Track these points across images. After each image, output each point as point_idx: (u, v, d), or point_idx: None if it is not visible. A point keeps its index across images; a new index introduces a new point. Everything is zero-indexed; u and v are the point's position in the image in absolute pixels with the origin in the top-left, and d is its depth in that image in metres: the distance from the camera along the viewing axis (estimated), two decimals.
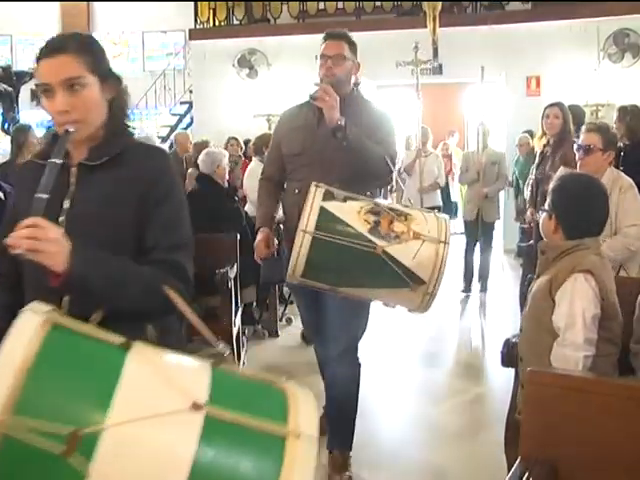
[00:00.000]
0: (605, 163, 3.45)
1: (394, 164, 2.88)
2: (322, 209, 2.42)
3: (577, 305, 2.17)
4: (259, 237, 3.11)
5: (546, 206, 2.42)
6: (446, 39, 8.72)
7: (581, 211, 2.33)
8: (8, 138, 6.86)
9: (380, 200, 2.67)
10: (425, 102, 7.63)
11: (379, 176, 2.93)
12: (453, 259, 7.40)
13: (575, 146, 3.60)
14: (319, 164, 2.85)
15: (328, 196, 2.48)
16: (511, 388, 2.61)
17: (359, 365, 3.06)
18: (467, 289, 6.93)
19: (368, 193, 2.79)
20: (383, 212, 2.44)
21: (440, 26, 8.60)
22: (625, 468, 1.65)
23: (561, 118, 4.50)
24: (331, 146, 2.79)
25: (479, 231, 6.78)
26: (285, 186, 3.11)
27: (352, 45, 3.02)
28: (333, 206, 2.44)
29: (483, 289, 6.88)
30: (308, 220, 2.40)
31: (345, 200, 2.48)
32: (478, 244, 6.90)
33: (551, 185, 2.46)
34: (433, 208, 6.76)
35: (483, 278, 6.91)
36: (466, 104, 13.37)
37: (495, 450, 2.67)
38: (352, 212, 2.43)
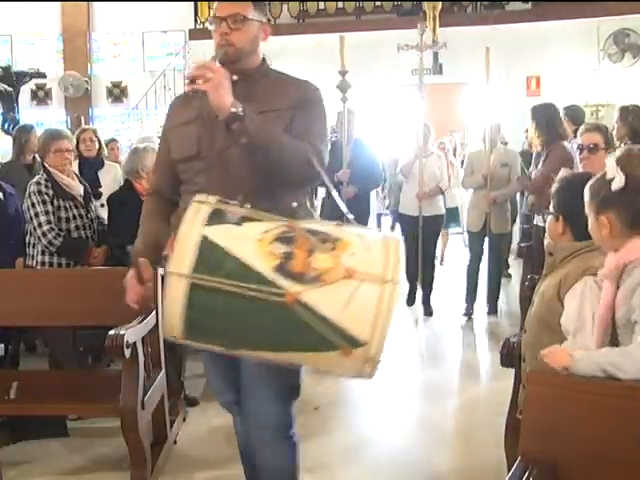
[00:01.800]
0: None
1: (323, 163, 2.11)
2: (204, 240, 1.69)
3: (587, 308, 2.16)
4: (129, 274, 2.25)
5: (551, 208, 2.41)
6: (446, 39, 8.71)
7: None
8: (8, 138, 6.86)
9: (308, 221, 1.92)
10: (425, 102, 7.60)
11: (299, 182, 2.15)
12: (454, 276, 7.23)
13: (575, 146, 3.61)
14: (220, 169, 2.11)
15: (216, 217, 1.75)
16: (511, 388, 2.62)
17: (294, 445, 2.27)
18: (469, 311, 5.95)
19: (294, 204, 2.12)
20: (299, 238, 1.70)
21: (440, 26, 8.59)
22: (625, 468, 1.65)
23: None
24: (237, 144, 2.04)
25: (486, 244, 5.88)
26: (180, 203, 2.22)
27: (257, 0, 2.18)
28: (220, 233, 1.71)
29: (492, 311, 5.96)
30: (182, 257, 1.68)
31: (241, 222, 1.75)
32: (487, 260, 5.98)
33: (554, 186, 2.45)
34: (435, 217, 6.25)
35: (492, 300, 5.98)
36: (466, 104, 13.37)
37: (495, 450, 2.67)
38: (249, 241, 1.70)
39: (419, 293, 6.15)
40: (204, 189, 1.99)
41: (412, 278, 6.14)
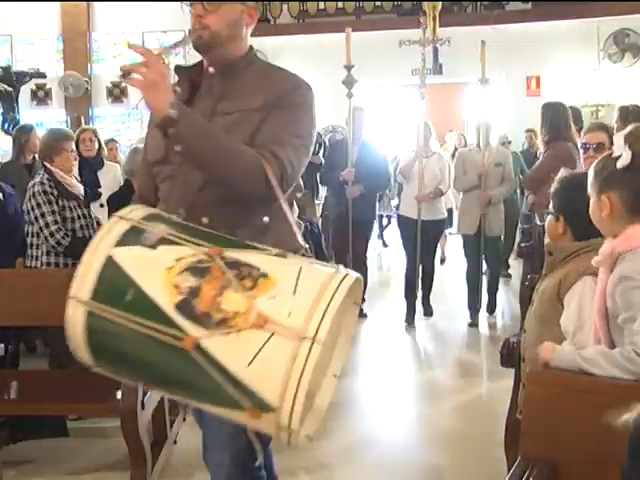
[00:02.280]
0: None
1: (289, 178, 1.76)
2: (109, 261, 1.44)
3: (587, 308, 2.15)
4: None
5: (551, 208, 2.40)
6: (446, 39, 8.72)
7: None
8: (8, 138, 6.87)
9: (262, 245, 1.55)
10: (425, 102, 7.59)
11: (251, 199, 1.78)
12: (454, 275, 7.10)
13: (579, 144, 3.61)
14: (184, 177, 1.82)
15: (132, 236, 1.49)
16: (511, 388, 2.62)
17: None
18: (475, 320, 5.70)
19: (265, 219, 1.81)
20: (214, 270, 1.41)
21: (440, 26, 8.60)
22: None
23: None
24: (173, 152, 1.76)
25: (482, 248, 5.63)
26: None
27: None
28: (130, 256, 1.45)
29: (490, 310, 5.85)
30: (83, 280, 1.45)
31: (157, 245, 1.47)
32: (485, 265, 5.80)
33: (554, 186, 2.44)
34: (436, 221, 5.95)
35: (490, 305, 5.84)
36: (466, 104, 13.37)
37: (495, 450, 2.67)
38: (158, 269, 1.42)
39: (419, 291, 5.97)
40: (166, 198, 1.89)
41: (411, 291, 5.78)
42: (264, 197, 1.73)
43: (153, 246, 1.47)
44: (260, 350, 1.33)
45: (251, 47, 1.93)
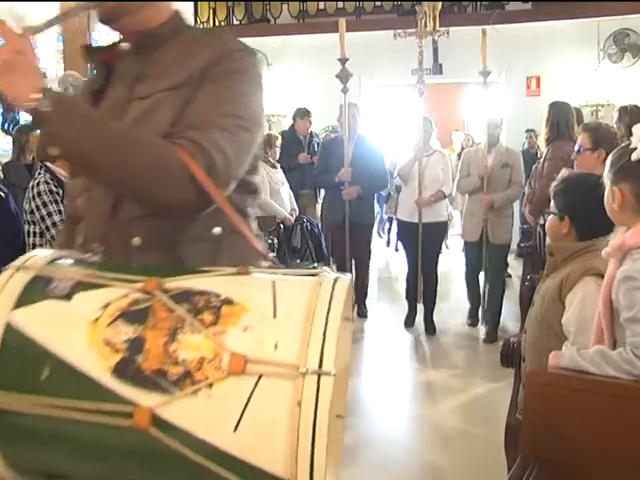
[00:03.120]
0: (598, 161, 3.48)
1: (220, 173, 1.24)
2: (8, 330, 1.05)
3: (589, 309, 2.15)
4: None
5: (553, 208, 2.38)
6: (446, 39, 8.72)
7: (597, 211, 2.18)
8: (8, 138, 6.86)
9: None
10: (425, 102, 7.58)
11: (175, 209, 1.26)
12: (454, 281, 6.78)
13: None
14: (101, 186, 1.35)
15: (35, 289, 1.10)
16: (511, 388, 2.62)
17: None
18: (474, 323, 5.56)
19: (215, 230, 1.35)
20: (157, 309, 1.04)
21: (440, 26, 8.59)
22: (625, 468, 1.65)
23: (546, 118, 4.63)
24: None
25: (485, 256, 5.25)
26: None
27: None
28: (36, 317, 1.06)
29: (489, 338, 5.24)
30: None
31: (72, 293, 1.08)
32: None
33: (557, 186, 2.43)
34: (437, 224, 5.56)
35: (491, 323, 5.33)
36: (466, 104, 13.38)
37: (495, 450, 2.67)
38: (79, 325, 1.04)
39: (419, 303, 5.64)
40: (83, 219, 1.44)
41: (412, 296, 5.55)
42: (200, 205, 1.23)
43: (67, 296, 1.08)
44: (247, 404, 0.95)
45: (176, 12, 1.45)
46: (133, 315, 1.04)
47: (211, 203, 1.22)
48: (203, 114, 1.27)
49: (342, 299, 1.02)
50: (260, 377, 0.96)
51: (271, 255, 1.32)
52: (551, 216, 2.39)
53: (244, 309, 1.02)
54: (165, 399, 0.98)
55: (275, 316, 1.01)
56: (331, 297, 1.02)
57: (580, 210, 2.29)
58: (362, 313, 5.82)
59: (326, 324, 0.98)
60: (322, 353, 0.96)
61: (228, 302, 1.03)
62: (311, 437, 0.93)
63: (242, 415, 0.96)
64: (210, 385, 0.97)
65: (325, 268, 1.14)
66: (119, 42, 1.45)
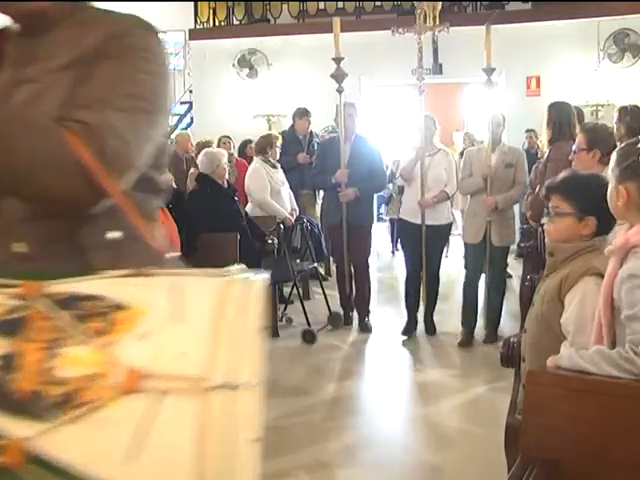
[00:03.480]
0: (593, 162, 3.49)
1: (114, 158, 1.05)
2: None
3: (588, 308, 2.15)
4: None
5: (566, 209, 2.31)
6: (446, 39, 8.73)
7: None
8: None
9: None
10: (425, 101, 7.57)
11: (62, 203, 1.09)
12: (454, 281, 6.56)
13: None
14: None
15: None
16: (511, 388, 2.62)
17: None
18: (467, 339, 5.10)
19: (110, 236, 1.17)
20: (35, 318, 0.85)
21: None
22: (625, 468, 1.65)
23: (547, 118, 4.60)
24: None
25: (486, 259, 5.02)
26: None
27: None
28: None
29: (489, 339, 5.05)
30: None
31: None
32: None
33: (572, 188, 2.36)
34: (441, 227, 5.42)
35: (491, 324, 5.13)
36: (466, 104, 13.37)
37: (495, 450, 2.67)
38: None
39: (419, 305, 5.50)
40: None
41: (411, 305, 5.37)
42: (89, 197, 1.06)
43: None
44: (144, 429, 0.78)
45: None
46: (5, 326, 0.85)
47: (103, 196, 1.04)
48: (97, 93, 1.11)
49: (253, 301, 0.86)
50: (159, 395, 0.79)
51: (180, 262, 1.19)
52: (568, 217, 2.30)
53: (139, 314, 0.85)
54: (40, 428, 0.78)
55: (176, 322, 0.84)
56: (241, 299, 0.86)
57: (607, 210, 2.25)
58: (364, 328, 5.54)
59: (239, 329, 0.83)
60: (234, 363, 0.80)
61: (120, 307, 0.86)
62: (220, 466, 0.77)
63: (138, 442, 0.78)
64: (98, 408, 0.79)
65: (235, 267, 0.93)
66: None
